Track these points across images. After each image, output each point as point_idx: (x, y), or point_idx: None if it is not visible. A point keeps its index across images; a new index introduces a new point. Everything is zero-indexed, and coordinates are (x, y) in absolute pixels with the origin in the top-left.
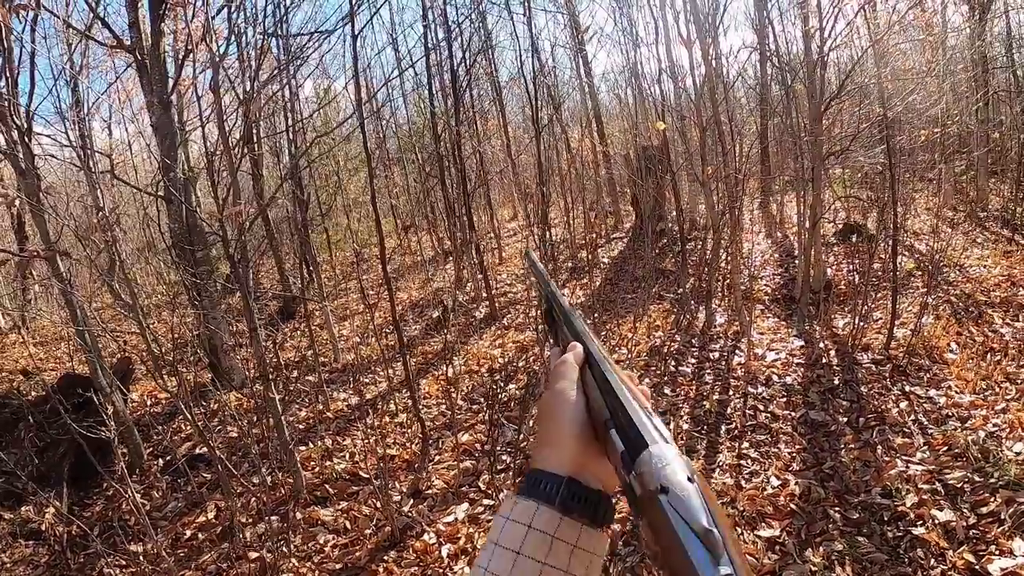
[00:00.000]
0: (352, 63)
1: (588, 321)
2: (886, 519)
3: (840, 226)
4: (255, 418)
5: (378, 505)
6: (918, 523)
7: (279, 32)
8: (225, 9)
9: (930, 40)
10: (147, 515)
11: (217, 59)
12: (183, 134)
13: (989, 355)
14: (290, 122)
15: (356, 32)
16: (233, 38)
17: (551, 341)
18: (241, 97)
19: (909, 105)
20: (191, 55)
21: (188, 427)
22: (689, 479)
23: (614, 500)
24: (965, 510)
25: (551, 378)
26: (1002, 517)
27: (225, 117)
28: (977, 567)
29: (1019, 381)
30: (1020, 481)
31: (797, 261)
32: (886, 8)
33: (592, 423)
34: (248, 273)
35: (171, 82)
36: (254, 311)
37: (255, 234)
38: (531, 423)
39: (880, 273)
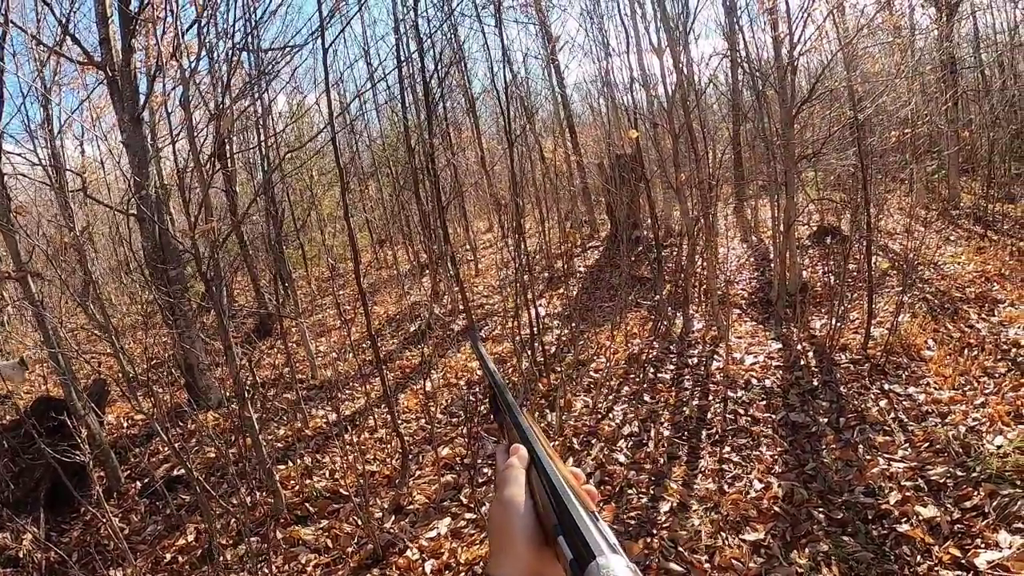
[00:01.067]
0: (323, 77)
1: (526, 408)
2: (870, 518)
3: (814, 228)
4: (233, 438)
5: (359, 522)
6: (902, 520)
7: (250, 47)
8: (196, 25)
9: (899, 42)
10: (126, 539)
11: (187, 75)
12: (155, 151)
13: (966, 351)
14: (262, 137)
15: (327, 46)
16: (204, 53)
17: (497, 435)
18: (212, 113)
19: (879, 107)
20: (162, 71)
21: (165, 448)
22: None
23: None
24: (949, 505)
25: (498, 485)
26: (986, 511)
27: (196, 133)
28: (964, 561)
29: (997, 375)
30: (1002, 474)
31: (772, 264)
32: (854, 12)
33: (543, 528)
34: (222, 291)
35: (142, 98)
36: (229, 329)
37: (229, 251)
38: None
39: (855, 274)
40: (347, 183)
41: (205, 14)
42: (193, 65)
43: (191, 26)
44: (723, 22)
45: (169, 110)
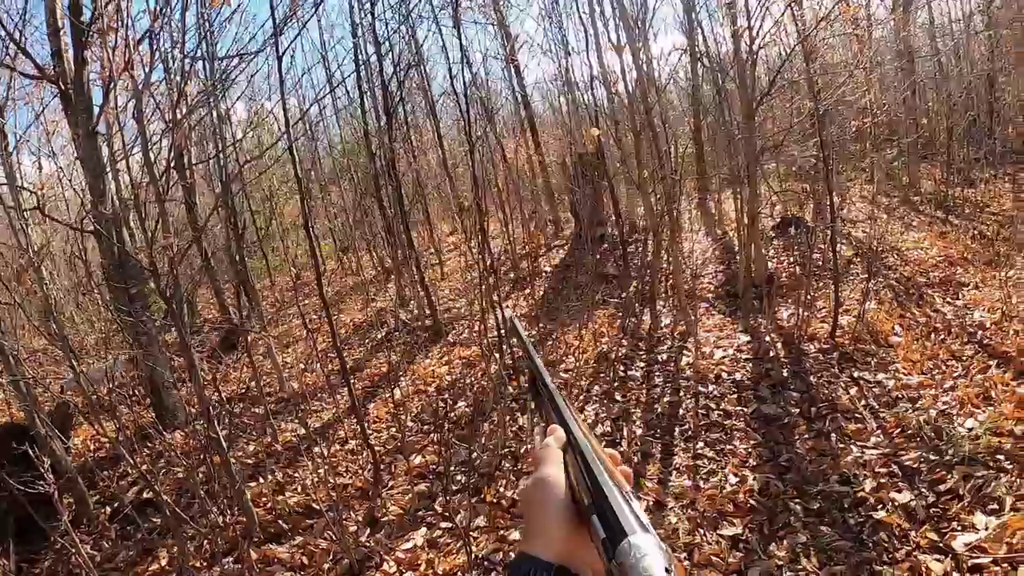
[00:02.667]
0: (279, 84)
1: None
2: (846, 506)
3: (778, 220)
4: (201, 457)
5: (334, 538)
6: (878, 507)
7: (205, 55)
8: (148, 35)
9: (856, 33)
10: (98, 567)
11: (140, 87)
12: (112, 165)
13: (933, 335)
14: (220, 147)
15: (280, 52)
16: (159, 63)
17: (535, 416)
18: (168, 124)
19: (839, 98)
20: (115, 83)
21: (135, 471)
22: (667, 570)
23: None
24: (923, 490)
25: (534, 464)
26: (961, 493)
27: (152, 145)
28: (941, 545)
29: (964, 358)
30: (975, 456)
31: (738, 257)
32: (812, 4)
33: (577, 508)
34: (182, 307)
35: (96, 111)
36: (191, 346)
37: (191, 265)
38: (486, 443)
39: (820, 263)
40: (307, 191)
41: (158, 23)
42: (146, 76)
43: (144, 36)
44: (682, 18)
45: (122, 123)
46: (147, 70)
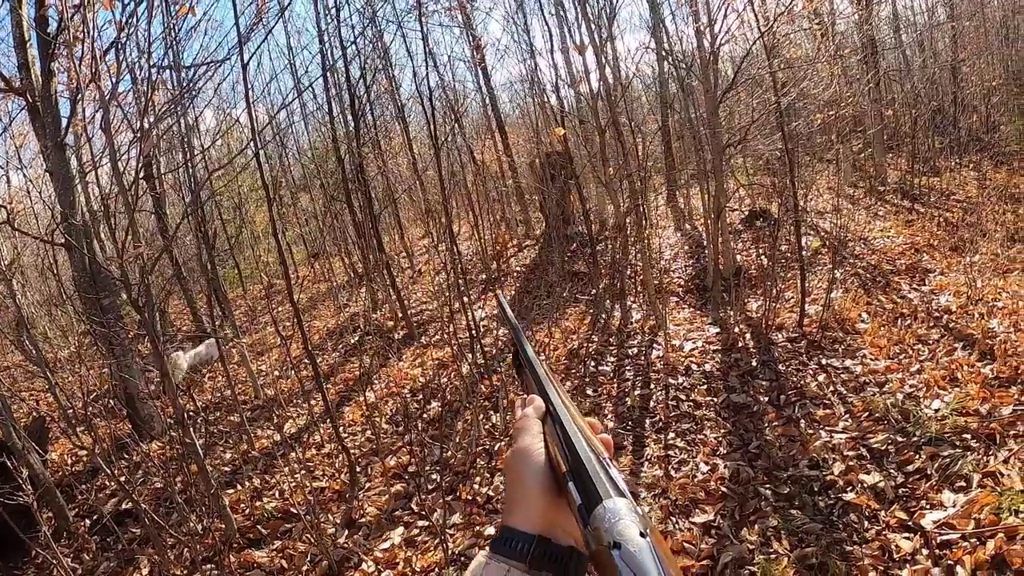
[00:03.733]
0: (244, 92)
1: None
2: (816, 489)
3: (746, 213)
4: (179, 466)
5: (312, 540)
6: (848, 489)
7: (172, 64)
8: (114, 45)
9: (818, 27)
10: None
11: (107, 98)
12: (82, 176)
13: (899, 320)
14: (188, 156)
15: (246, 61)
16: (127, 74)
17: (520, 389)
18: (136, 134)
19: (803, 91)
20: (83, 95)
21: (113, 482)
22: (642, 534)
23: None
24: (892, 471)
25: (513, 435)
26: (928, 472)
27: (119, 156)
28: (910, 523)
29: (930, 342)
30: (942, 436)
31: (706, 251)
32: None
33: (556, 476)
34: (155, 317)
35: (64, 122)
36: (164, 357)
37: (162, 274)
38: (460, 441)
39: (788, 254)
40: (277, 198)
41: (124, 33)
42: (113, 87)
43: (110, 47)
44: (647, 17)
45: (90, 134)
46: (114, 81)
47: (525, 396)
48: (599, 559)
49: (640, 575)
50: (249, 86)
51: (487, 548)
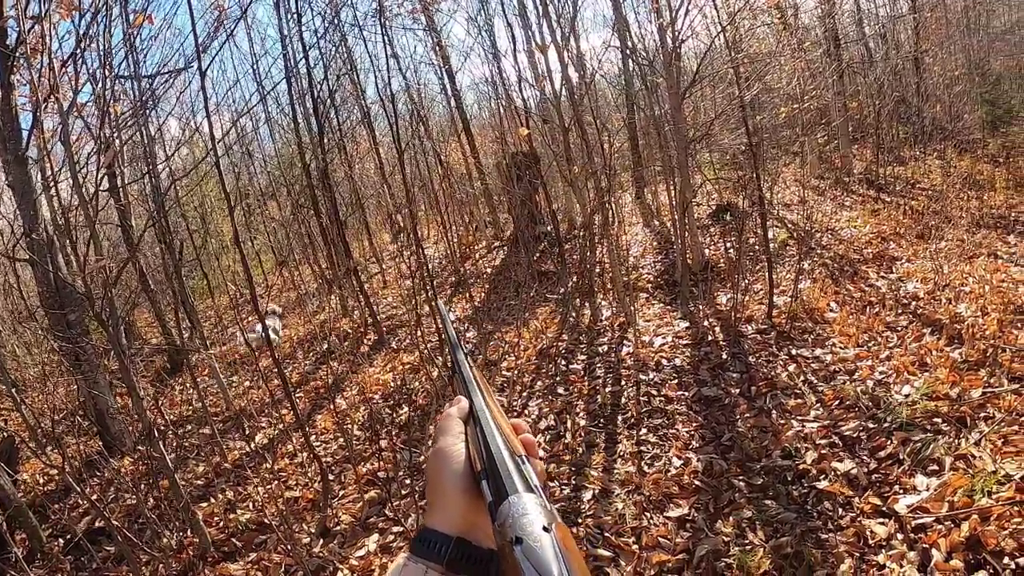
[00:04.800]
0: (203, 101)
1: (475, 366)
2: (789, 479)
3: (713, 208)
4: (150, 481)
5: (287, 551)
6: (821, 477)
7: (130, 74)
8: (72, 58)
9: (779, 22)
10: None
11: (65, 110)
12: (47, 189)
13: (868, 308)
14: (150, 165)
15: (203, 69)
16: (86, 83)
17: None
18: (97, 144)
19: (766, 85)
20: (43, 107)
21: (85, 501)
22: (545, 528)
23: None
24: (864, 457)
25: (435, 435)
26: (900, 458)
27: (80, 168)
28: (884, 509)
29: (899, 328)
30: (912, 421)
31: (675, 246)
32: None
33: (476, 477)
34: (119, 331)
35: (24, 135)
36: (131, 370)
37: (128, 287)
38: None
39: (756, 247)
40: (237, 206)
41: (82, 45)
42: (73, 98)
43: (69, 58)
44: (611, 15)
45: (51, 147)
46: (74, 92)
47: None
48: (503, 555)
49: (541, 571)
50: (207, 95)
51: (407, 550)
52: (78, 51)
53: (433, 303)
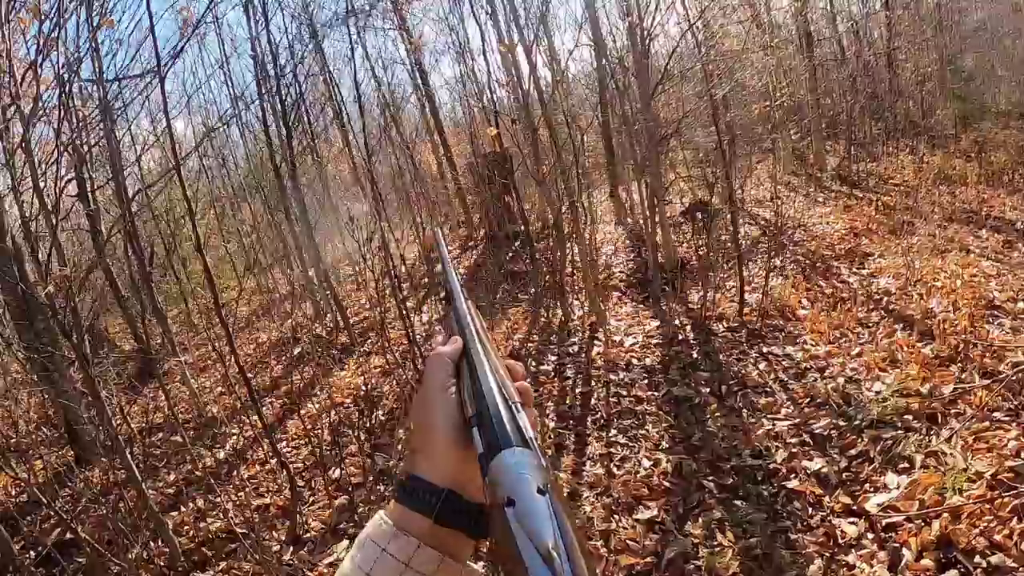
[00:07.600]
0: (163, 106)
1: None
2: (760, 479)
3: (686, 205)
4: (118, 491)
5: (257, 559)
6: (791, 476)
7: (94, 77)
8: (33, 65)
9: (750, 19)
10: None
11: (27, 117)
12: (16, 196)
13: (839, 305)
14: (117, 169)
15: (163, 75)
16: (53, 89)
17: (441, 325)
18: (59, 148)
19: (738, 82)
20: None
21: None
22: (540, 491)
23: None
24: (835, 455)
25: (424, 375)
26: (871, 455)
27: (42, 174)
28: (855, 507)
29: (870, 324)
30: (883, 418)
31: (647, 244)
32: None
33: (467, 423)
34: (83, 340)
35: None
36: (95, 379)
37: (92, 294)
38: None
39: (728, 245)
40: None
41: (43, 52)
42: (34, 104)
43: (32, 64)
44: (584, 14)
45: (12, 153)
46: (35, 96)
47: (448, 335)
48: (492, 515)
49: (533, 536)
50: (167, 100)
51: (391, 501)
52: (37, 58)
53: (433, 229)
